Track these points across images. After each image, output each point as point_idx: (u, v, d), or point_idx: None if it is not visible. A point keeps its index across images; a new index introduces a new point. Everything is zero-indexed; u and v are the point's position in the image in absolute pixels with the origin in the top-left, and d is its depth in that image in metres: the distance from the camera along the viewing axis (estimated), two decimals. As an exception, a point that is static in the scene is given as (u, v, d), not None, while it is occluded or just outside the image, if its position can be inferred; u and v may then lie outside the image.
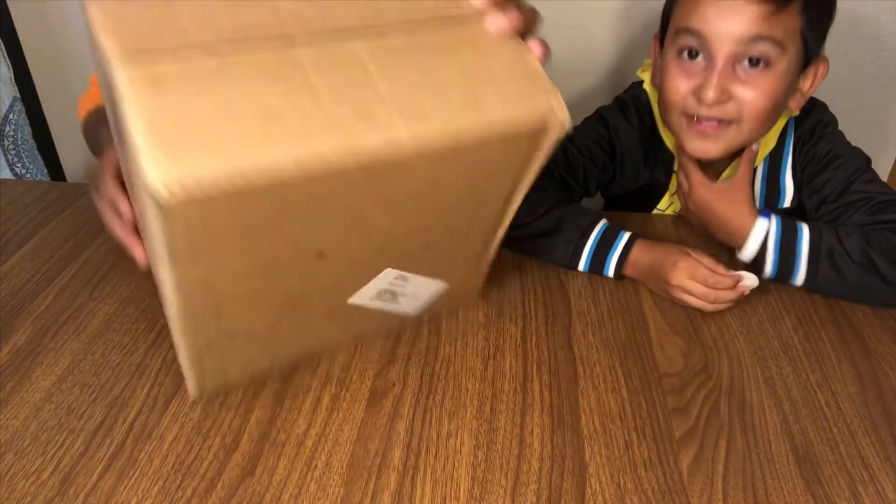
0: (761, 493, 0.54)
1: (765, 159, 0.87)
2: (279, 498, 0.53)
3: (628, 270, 0.77)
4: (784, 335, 0.71)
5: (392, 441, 0.58)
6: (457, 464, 0.56)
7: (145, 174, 0.38)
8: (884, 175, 1.41)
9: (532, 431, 0.59)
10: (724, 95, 0.75)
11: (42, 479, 0.55)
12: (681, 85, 0.78)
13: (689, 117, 0.79)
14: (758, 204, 0.86)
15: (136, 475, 0.55)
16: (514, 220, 0.61)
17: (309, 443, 0.58)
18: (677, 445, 0.58)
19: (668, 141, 0.90)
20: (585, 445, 0.58)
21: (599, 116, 0.93)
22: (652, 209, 0.97)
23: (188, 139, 0.39)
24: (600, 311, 0.75)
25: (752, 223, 0.76)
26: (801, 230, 0.75)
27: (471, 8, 0.49)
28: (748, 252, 0.77)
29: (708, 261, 0.71)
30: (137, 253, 0.60)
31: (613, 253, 0.77)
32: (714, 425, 0.60)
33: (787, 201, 0.87)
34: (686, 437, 0.59)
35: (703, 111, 0.77)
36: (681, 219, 0.93)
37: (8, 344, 0.69)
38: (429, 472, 0.56)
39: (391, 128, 0.43)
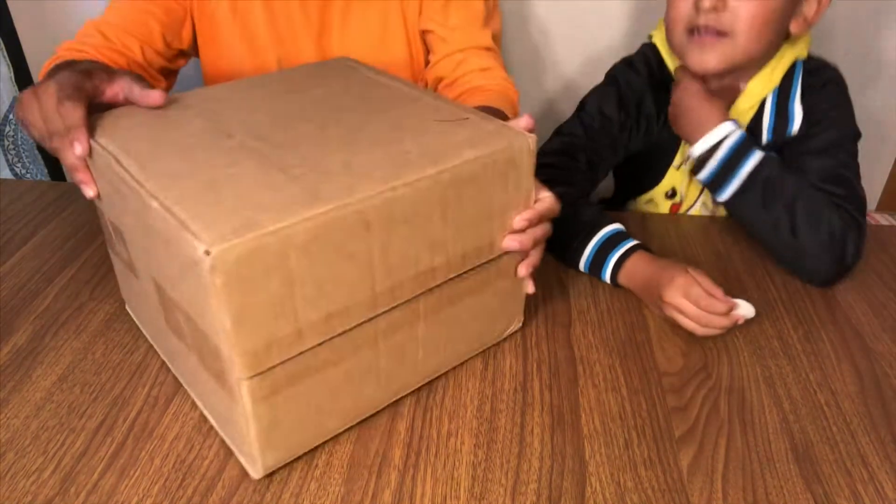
0: (761, 492, 0.54)
1: (774, 91, 0.88)
2: (279, 497, 0.54)
3: (623, 279, 0.77)
4: (784, 335, 0.72)
5: (392, 440, 0.59)
6: (457, 463, 0.56)
7: (256, 465, 0.54)
8: (883, 175, 1.41)
9: (532, 431, 0.60)
10: (719, 2, 0.78)
11: (43, 479, 0.55)
12: (683, 1, 0.82)
13: (690, 33, 0.82)
14: (766, 133, 0.88)
15: (136, 474, 0.55)
16: None
17: (309, 442, 0.58)
18: (677, 444, 0.58)
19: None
20: (585, 444, 0.58)
21: (608, 77, 0.95)
22: (665, 171, 0.96)
23: (287, 437, 0.54)
24: (600, 310, 0.75)
25: (720, 121, 0.81)
26: (755, 151, 0.79)
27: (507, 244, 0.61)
28: (701, 145, 0.81)
29: (706, 282, 0.70)
30: (90, 189, 0.59)
31: (611, 258, 0.77)
32: (714, 424, 0.60)
33: (796, 128, 0.87)
34: (686, 437, 0.59)
35: (702, 19, 0.80)
36: (681, 219, 0.93)
37: (8, 343, 0.69)
38: (429, 470, 0.56)
39: (422, 376, 0.63)
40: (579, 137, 0.89)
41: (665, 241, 0.87)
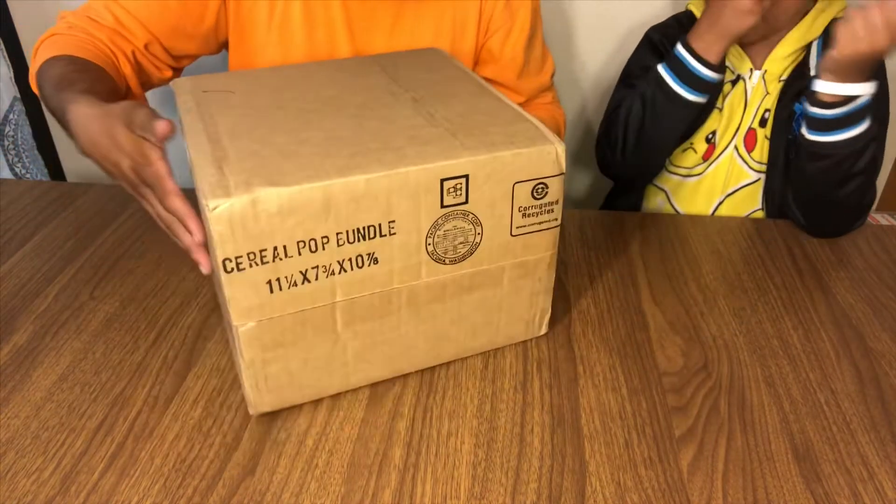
0: (761, 492, 0.54)
1: (818, 39, 0.93)
2: (280, 497, 0.54)
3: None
4: (784, 334, 0.72)
5: (392, 440, 0.59)
6: (457, 462, 0.57)
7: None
8: (883, 175, 1.41)
9: (532, 430, 0.60)
10: None
11: (43, 478, 0.55)
12: None
13: None
14: (814, 70, 0.92)
15: (136, 474, 0.55)
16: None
17: (310, 441, 0.58)
18: (677, 444, 0.58)
19: None
20: (585, 444, 0.58)
21: (643, 38, 1.02)
22: (710, 114, 0.98)
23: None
24: (600, 309, 0.75)
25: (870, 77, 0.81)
26: (868, 117, 0.82)
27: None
28: (847, 88, 0.80)
29: None
30: (206, 266, 0.59)
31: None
32: (714, 424, 0.61)
33: None
34: (686, 436, 0.59)
35: None
36: (681, 219, 0.93)
37: (9, 343, 0.69)
38: (429, 470, 0.56)
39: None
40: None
41: (665, 241, 0.87)
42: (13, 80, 1.35)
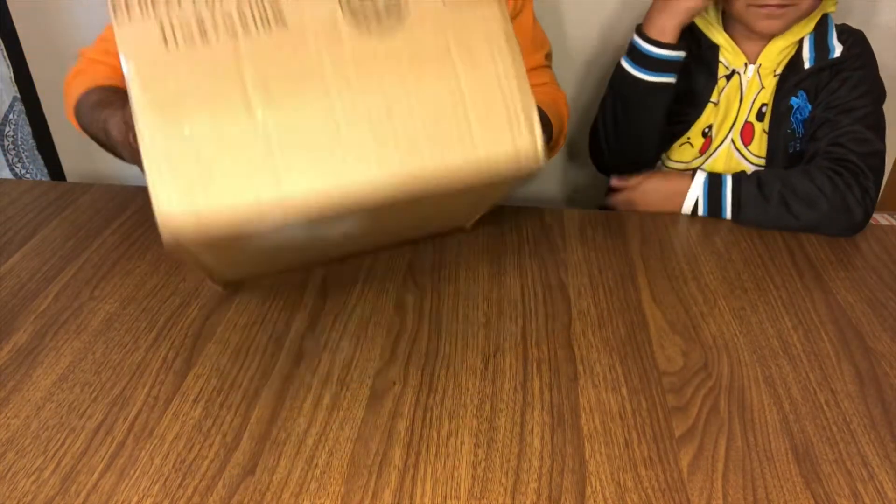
0: (761, 492, 0.54)
1: (810, 33, 0.95)
2: (280, 497, 0.54)
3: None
4: (784, 334, 0.72)
5: (392, 440, 0.59)
6: (457, 462, 0.57)
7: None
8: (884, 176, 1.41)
9: (532, 430, 0.60)
10: None
11: (43, 478, 0.55)
12: None
13: (756, 5, 0.90)
14: (808, 61, 0.94)
15: (136, 474, 0.55)
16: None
17: (310, 441, 0.58)
18: (677, 444, 0.58)
19: (709, 33, 0.98)
20: (585, 444, 0.58)
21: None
22: (704, 107, 1.00)
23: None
24: (600, 310, 0.75)
25: (688, 180, 0.91)
26: (726, 178, 0.89)
27: None
28: (689, 204, 0.91)
29: None
30: None
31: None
32: (714, 424, 0.60)
33: (837, 55, 0.93)
34: (686, 436, 0.59)
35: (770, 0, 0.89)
36: (681, 219, 0.93)
37: (9, 343, 0.69)
38: (429, 470, 0.56)
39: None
40: None
41: (665, 241, 0.87)
42: (13, 80, 1.35)
